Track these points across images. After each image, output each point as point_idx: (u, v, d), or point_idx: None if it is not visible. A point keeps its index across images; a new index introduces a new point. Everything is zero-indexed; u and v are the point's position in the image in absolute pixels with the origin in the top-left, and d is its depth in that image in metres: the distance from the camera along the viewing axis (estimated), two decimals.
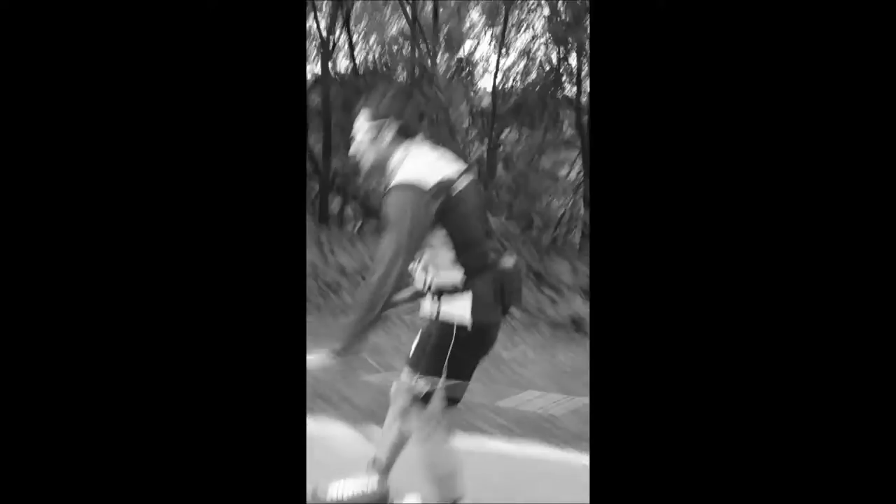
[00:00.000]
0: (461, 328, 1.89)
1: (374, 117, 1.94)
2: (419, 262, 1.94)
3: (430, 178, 1.85)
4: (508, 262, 2.00)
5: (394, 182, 1.87)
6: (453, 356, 1.91)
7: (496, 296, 1.93)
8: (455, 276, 1.89)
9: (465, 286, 1.88)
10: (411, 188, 1.82)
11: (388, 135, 1.93)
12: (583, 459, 2.68)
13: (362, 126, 1.96)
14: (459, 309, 1.89)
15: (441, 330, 1.92)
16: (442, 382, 1.92)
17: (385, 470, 2.22)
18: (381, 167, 1.97)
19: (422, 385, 1.93)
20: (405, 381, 2.00)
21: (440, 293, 1.92)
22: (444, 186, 1.86)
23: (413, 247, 1.82)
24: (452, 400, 2.00)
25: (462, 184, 1.92)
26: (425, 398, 1.96)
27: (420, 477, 2.05)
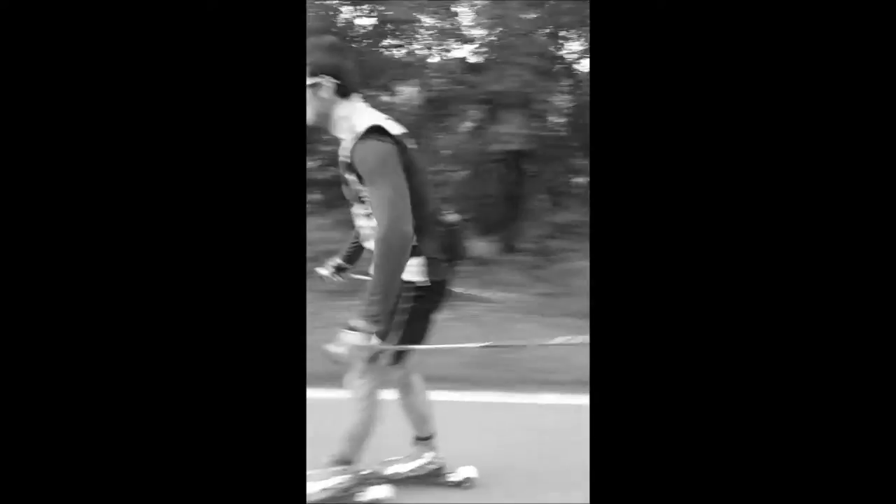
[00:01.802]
0: (417, 287, 1.96)
1: (311, 73, 1.89)
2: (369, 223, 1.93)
3: (386, 124, 1.85)
4: (451, 217, 2.05)
5: (361, 130, 1.84)
6: (413, 317, 1.98)
7: (444, 252, 2.00)
8: None
9: (416, 248, 1.88)
10: (381, 132, 1.82)
11: (326, 92, 1.90)
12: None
13: None
14: (413, 269, 1.93)
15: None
16: (397, 343, 1.99)
17: (428, 440, 2.34)
18: (324, 121, 1.95)
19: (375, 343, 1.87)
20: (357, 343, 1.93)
21: None
22: (401, 136, 1.88)
23: (405, 190, 1.80)
24: (399, 360, 2.10)
25: (410, 143, 1.94)
26: (373, 357, 2.00)
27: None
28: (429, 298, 2.01)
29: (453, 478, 2.33)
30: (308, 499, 2.07)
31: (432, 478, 2.34)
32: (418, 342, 2.05)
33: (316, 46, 1.89)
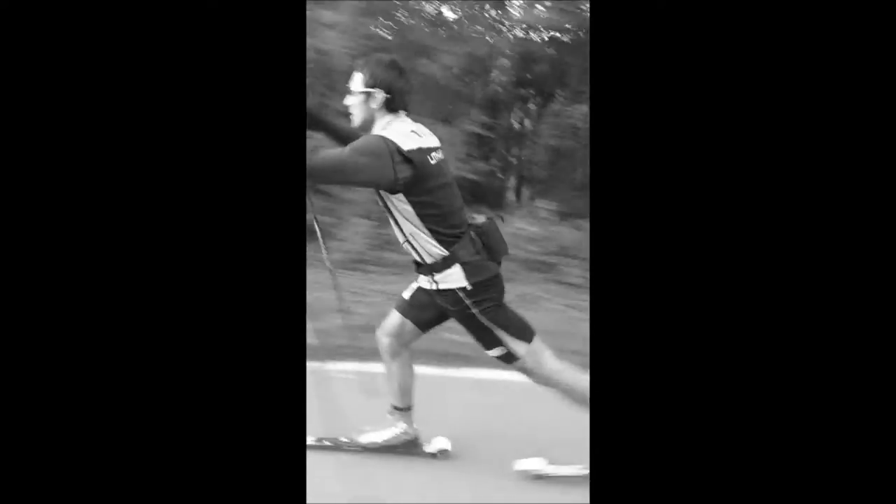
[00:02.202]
0: (464, 290, 2.06)
1: (366, 83, 2.06)
2: (406, 236, 2.10)
3: (409, 144, 1.98)
4: (479, 219, 2.16)
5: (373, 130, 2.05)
6: (487, 316, 2.08)
7: (482, 253, 2.09)
8: (437, 249, 2.06)
9: (450, 258, 2.06)
10: (386, 141, 1.96)
11: (376, 103, 2.06)
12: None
13: (356, 86, 2.09)
14: (453, 277, 2.07)
15: (450, 302, 2.10)
16: (509, 339, 2.10)
17: (406, 414, 2.40)
18: (368, 127, 2.10)
19: (499, 353, 2.13)
20: (393, 324, 2.28)
21: (432, 270, 2.09)
22: (421, 153, 2.00)
23: (355, 171, 1.95)
24: (528, 337, 2.14)
25: (439, 156, 2.10)
26: (509, 358, 2.13)
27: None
28: (482, 296, 2.07)
29: (428, 449, 2.37)
30: (372, 447, 2.38)
31: (407, 448, 2.38)
32: (519, 320, 2.15)
33: (377, 61, 2.08)
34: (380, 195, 2.06)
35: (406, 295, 2.29)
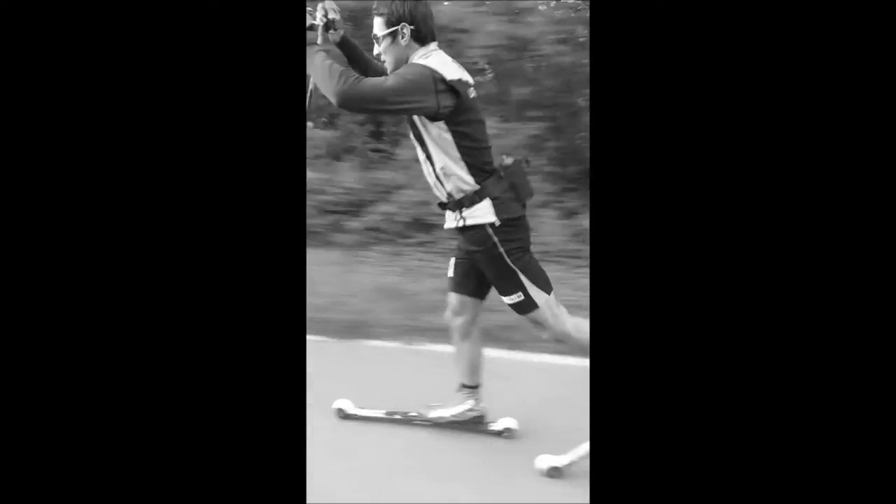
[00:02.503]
0: (492, 227, 2.05)
1: (388, 22, 2.02)
2: (436, 169, 2.08)
3: (451, 74, 1.96)
4: (507, 160, 2.14)
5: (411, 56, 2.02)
6: (511, 256, 2.07)
7: (510, 192, 2.08)
8: (469, 182, 2.05)
9: (482, 192, 2.05)
10: (430, 70, 1.93)
11: (404, 39, 2.02)
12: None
13: (380, 30, 2.05)
14: (483, 211, 2.06)
15: (476, 240, 2.09)
16: (527, 283, 2.09)
17: (474, 389, 2.45)
18: (401, 66, 2.04)
19: (512, 300, 2.12)
20: (453, 304, 2.29)
21: (461, 204, 2.08)
22: (462, 84, 1.99)
23: (404, 96, 1.90)
24: (546, 288, 2.14)
25: (473, 93, 2.06)
26: (526, 307, 2.12)
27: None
28: (510, 235, 2.08)
29: (494, 427, 2.41)
30: (440, 422, 2.43)
31: (473, 425, 2.43)
32: (539, 271, 2.14)
33: None
34: (414, 125, 2.05)
35: (450, 273, 2.32)
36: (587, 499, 1.18)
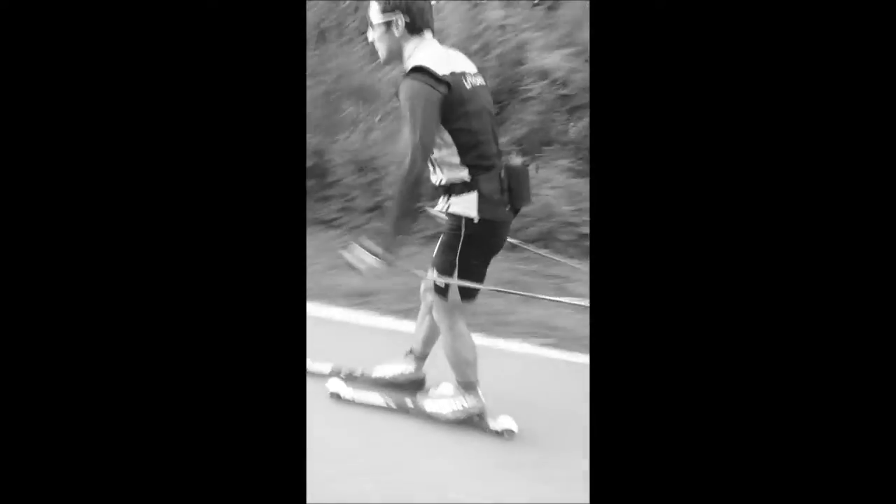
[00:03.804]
0: (468, 221, 2.05)
1: (384, 10, 2.02)
2: (432, 157, 2.05)
3: (443, 67, 1.95)
4: (515, 160, 2.14)
5: (407, 69, 1.97)
6: (463, 252, 2.08)
7: (503, 193, 2.07)
8: (462, 174, 2.03)
9: (472, 184, 2.03)
10: (422, 72, 1.92)
11: (398, 29, 2.02)
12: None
13: (375, 17, 2.05)
14: (466, 204, 2.05)
15: (450, 225, 2.10)
16: (455, 278, 2.11)
17: (420, 359, 2.52)
18: (396, 56, 2.07)
19: (436, 279, 2.13)
20: (431, 279, 2.23)
21: (450, 191, 2.08)
22: (456, 77, 1.96)
23: (429, 134, 1.93)
24: (466, 295, 2.18)
25: (475, 81, 2.04)
26: (441, 292, 2.16)
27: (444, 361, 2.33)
28: (478, 236, 2.07)
29: (494, 426, 2.39)
30: (440, 418, 2.36)
31: (473, 422, 2.40)
32: (476, 279, 2.15)
33: None
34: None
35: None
36: (587, 499, 1.17)
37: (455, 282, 2.12)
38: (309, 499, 1.20)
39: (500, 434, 2.37)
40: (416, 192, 1.94)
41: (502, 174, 2.06)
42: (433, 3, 1.99)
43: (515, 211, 2.15)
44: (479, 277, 2.16)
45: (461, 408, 2.38)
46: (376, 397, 2.49)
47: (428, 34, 2.04)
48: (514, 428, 2.37)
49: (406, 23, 2.00)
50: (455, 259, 2.10)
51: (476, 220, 2.04)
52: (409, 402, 2.46)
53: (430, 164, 2.07)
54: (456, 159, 2.03)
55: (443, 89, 1.92)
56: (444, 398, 2.41)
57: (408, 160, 1.90)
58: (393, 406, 2.47)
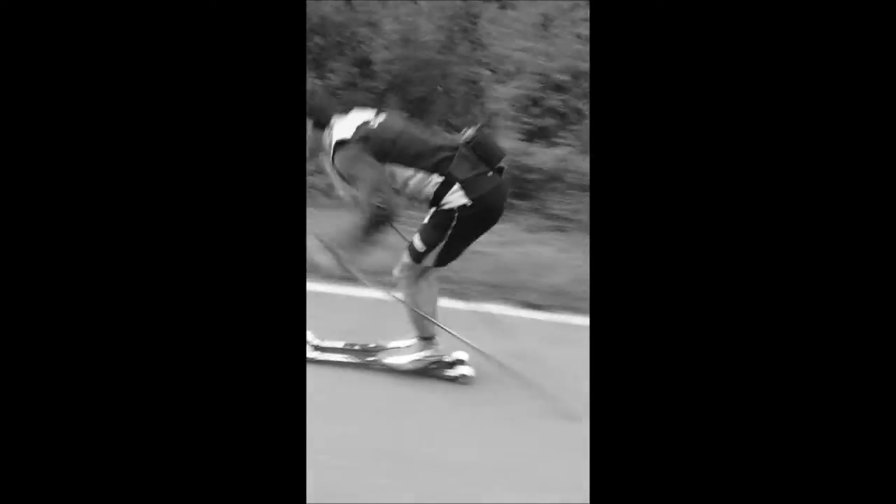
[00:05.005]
0: (462, 207, 2.17)
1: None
2: (405, 191, 2.26)
3: (347, 131, 2.23)
4: (466, 134, 2.25)
5: (329, 148, 2.27)
6: (453, 233, 2.21)
7: (478, 164, 2.20)
8: (433, 179, 2.20)
9: (449, 181, 2.18)
10: (341, 145, 2.22)
11: (309, 129, 2.29)
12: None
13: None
14: (455, 196, 2.19)
15: (444, 213, 2.21)
16: (435, 252, 2.24)
17: (430, 342, 2.46)
18: (319, 149, 2.33)
19: (416, 243, 2.26)
20: (404, 262, 2.32)
21: (438, 201, 2.21)
22: (362, 128, 2.23)
23: (381, 177, 2.19)
24: (441, 262, 2.31)
25: (379, 119, 2.29)
26: (417, 257, 2.28)
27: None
28: (473, 216, 2.20)
29: (450, 373, 2.43)
30: (400, 370, 2.42)
31: (430, 371, 2.44)
32: (452, 259, 2.31)
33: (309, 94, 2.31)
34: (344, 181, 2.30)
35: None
36: (587, 499, 1.18)
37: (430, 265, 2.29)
38: (309, 500, 1.18)
39: (455, 380, 2.41)
40: (378, 230, 2.19)
41: (465, 151, 2.19)
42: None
43: (499, 170, 2.24)
44: (457, 252, 2.30)
45: (419, 357, 2.42)
46: (339, 356, 2.48)
47: (333, 121, 2.29)
48: (471, 373, 2.42)
49: (313, 122, 2.27)
50: (442, 239, 2.22)
51: (469, 203, 2.17)
52: (368, 357, 2.47)
53: (409, 193, 2.26)
54: (419, 179, 2.21)
55: (361, 144, 2.18)
56: (401, 351, 2.45)
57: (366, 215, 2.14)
58: (356, 360, 2.47)
